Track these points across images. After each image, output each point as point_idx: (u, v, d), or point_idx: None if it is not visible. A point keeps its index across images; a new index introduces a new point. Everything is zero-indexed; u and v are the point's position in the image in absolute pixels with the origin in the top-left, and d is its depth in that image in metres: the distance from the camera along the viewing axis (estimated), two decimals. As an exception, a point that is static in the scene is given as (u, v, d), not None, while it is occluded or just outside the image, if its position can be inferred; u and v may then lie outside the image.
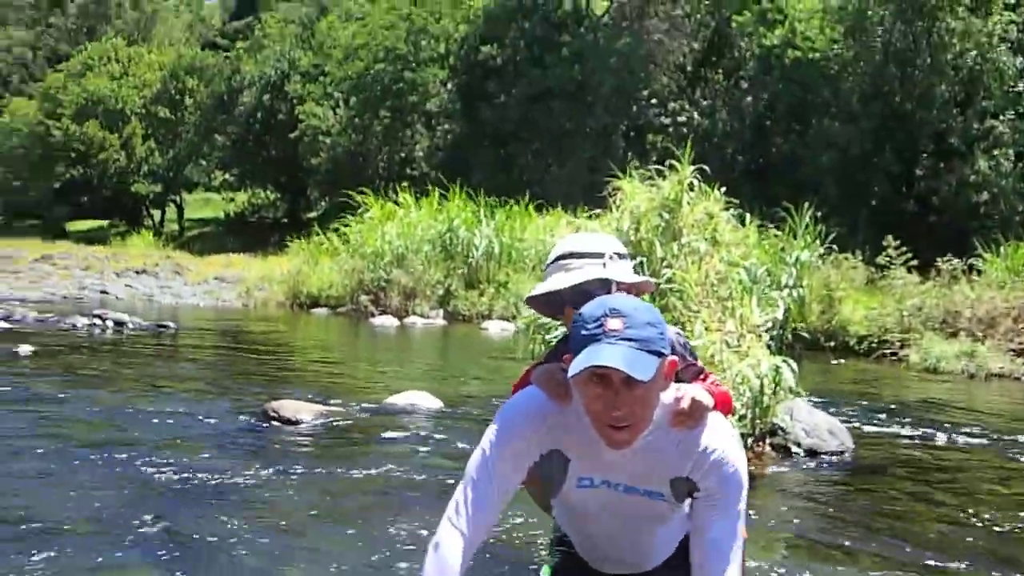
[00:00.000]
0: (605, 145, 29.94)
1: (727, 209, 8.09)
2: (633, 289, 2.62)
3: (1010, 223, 20.59)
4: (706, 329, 6.55)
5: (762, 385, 6.46)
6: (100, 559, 4.21)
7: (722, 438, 2.27)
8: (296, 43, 42.79)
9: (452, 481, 5.51)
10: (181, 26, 70.69)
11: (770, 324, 7.49)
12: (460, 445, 6.70)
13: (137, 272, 26.18)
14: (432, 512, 4.95)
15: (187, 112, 46.62)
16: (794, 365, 6.81)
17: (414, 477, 5.93)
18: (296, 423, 7.27)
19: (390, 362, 12.52)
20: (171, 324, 14.69)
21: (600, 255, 2.63)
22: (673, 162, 7.96)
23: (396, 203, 20.12)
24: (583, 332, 2.09)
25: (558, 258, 2.68)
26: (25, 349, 10.78)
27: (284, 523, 4.91)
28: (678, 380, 2.34)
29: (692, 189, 7.84)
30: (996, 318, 13.40)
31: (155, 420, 7.31)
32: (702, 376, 2.56)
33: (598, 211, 9.05)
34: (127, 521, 4.75)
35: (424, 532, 4.65)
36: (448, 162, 32.30)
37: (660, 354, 2.07)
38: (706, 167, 8.02)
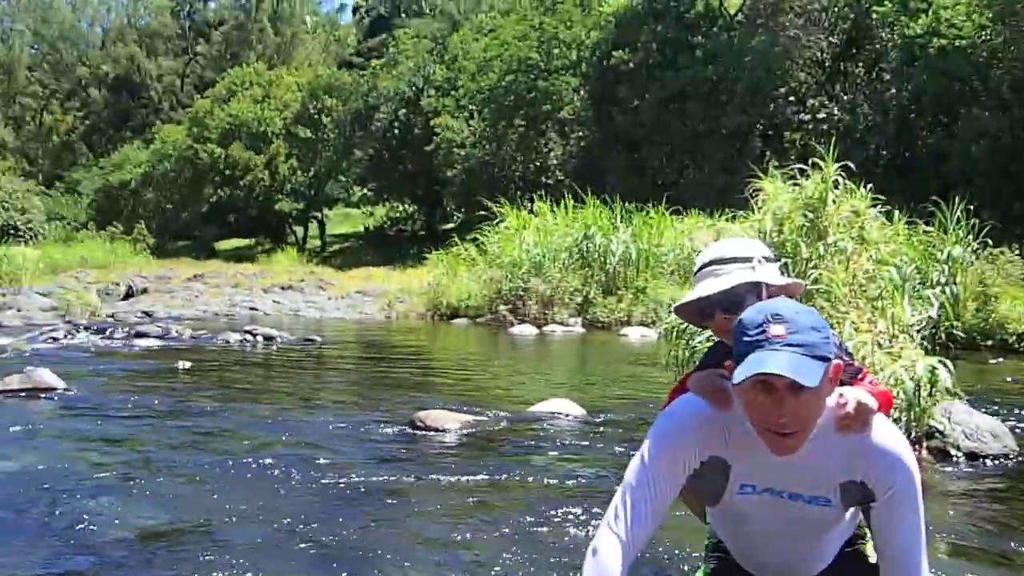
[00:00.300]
0: (741, 145, 29.47)
1: (873, 206, 7.85)
2: (783, 291, 2.57)
3: None
4: (856, 330, 6.38)
5: (917, 387, 6.24)
6: (255, 566, 4.32)
7: (892, 440, 2.23)
8: (429, 58, 43.47)
9: (599, 487, 5.54)
10: (319, 47, 72.78)
11: (923, 323, 7.24)
12: (605, 452, 6.68)
13: (283, 288, 27.09)
14: (580, 518, 4.99)
15: (326, 130, 47.82)
16: (951, 365, 6.55)
17: (561, 484, 5.93)
18: (443, 432, 7.35)
19: (531, 370, 12.57)
20: (317, 338, 15.10)
21: (748, 259, 2.60)
22: (816, 160, 7.77)
23: (531, 212, 20.21)
24: (745, 339, 2.07)
25: (705, 265, 2.66)
26: (183, 365, 11.24)
27: (435, 530, 4.97)
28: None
29: (836, 187, 7.64)
30: None
31: (307, 431, 7.51)
32: (860, 376, 2.47)
33: (739, 213, 8.91)
34: (281, 529, 4.89)
35: (574, 537, 4.67)
36: (582, 169, 32.32)
37: (826, 359, 2.04)
38: (850, 163, 7.80)
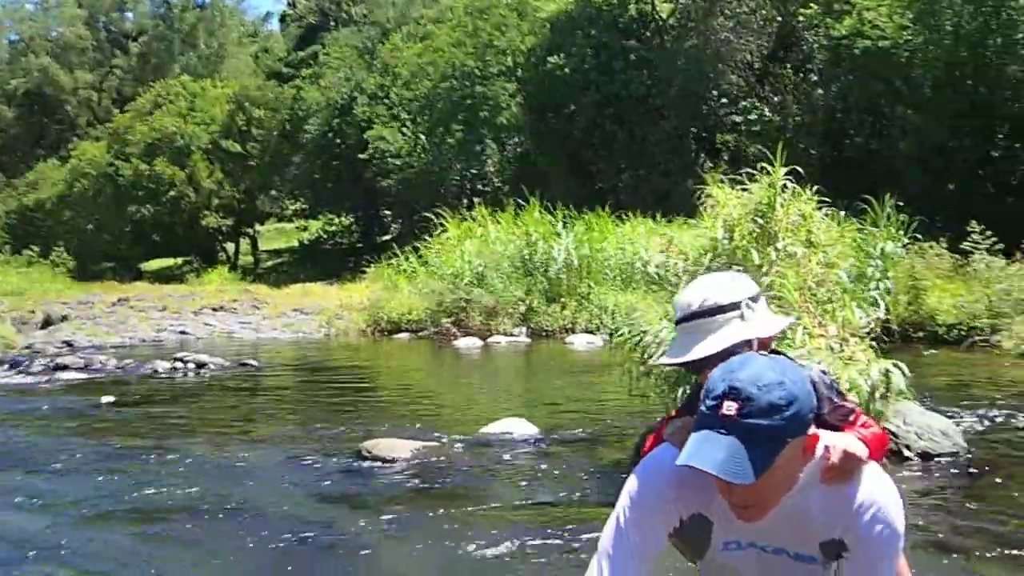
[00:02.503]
0: (675, 148, 29.72)
1: (820, 208, 7.94)
2: (771, 341, 2.43)
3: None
4: (809, 335, 6.41)
5: (872, 391, 6.30)
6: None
7: (877, 494, 2.06)
8: (360, 65, 42.91)
9: (563, 513, 5.49)
10: (246, 59, 71.57)
11: (872, 325, 7.33)
12: (564, 474, 6.62)
13: (215, 309, 25.74)
14: (542, 549, 4.92)
15: (255, 143, 46.92)
16: (904, 368, 6.61)
17: (522, 512, 5.85)
18: (392, 462, 7.16)
19: (478, 387, 12.44)
20: (253, 362, 14.63)
21: (736, 305, 2.38)
22: (764, 164, 7.82)
23: (472, 219, 20.06)
24: (703, 408, 1.89)
25: (691, 316, 2.42)
26: (106, 399, 10.73)
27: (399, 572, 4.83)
28: (827, 426, 2.12)
29: (784, 190, 7.69)
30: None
31: (247, 469, 7.24)
32: (852, 419, 2.26)
33: (680, 216, 8.92)
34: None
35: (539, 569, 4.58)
36: (521, 175, 32.17)
37: (782, 442, 1.85)
38: (798, 167, 7.86)
